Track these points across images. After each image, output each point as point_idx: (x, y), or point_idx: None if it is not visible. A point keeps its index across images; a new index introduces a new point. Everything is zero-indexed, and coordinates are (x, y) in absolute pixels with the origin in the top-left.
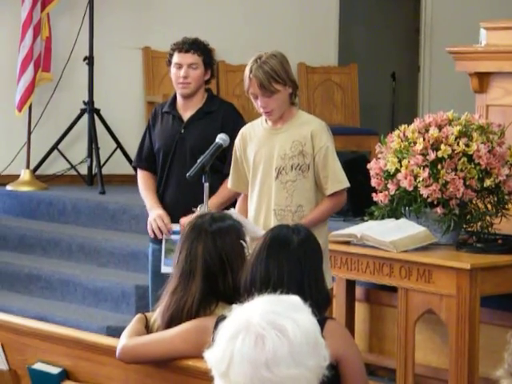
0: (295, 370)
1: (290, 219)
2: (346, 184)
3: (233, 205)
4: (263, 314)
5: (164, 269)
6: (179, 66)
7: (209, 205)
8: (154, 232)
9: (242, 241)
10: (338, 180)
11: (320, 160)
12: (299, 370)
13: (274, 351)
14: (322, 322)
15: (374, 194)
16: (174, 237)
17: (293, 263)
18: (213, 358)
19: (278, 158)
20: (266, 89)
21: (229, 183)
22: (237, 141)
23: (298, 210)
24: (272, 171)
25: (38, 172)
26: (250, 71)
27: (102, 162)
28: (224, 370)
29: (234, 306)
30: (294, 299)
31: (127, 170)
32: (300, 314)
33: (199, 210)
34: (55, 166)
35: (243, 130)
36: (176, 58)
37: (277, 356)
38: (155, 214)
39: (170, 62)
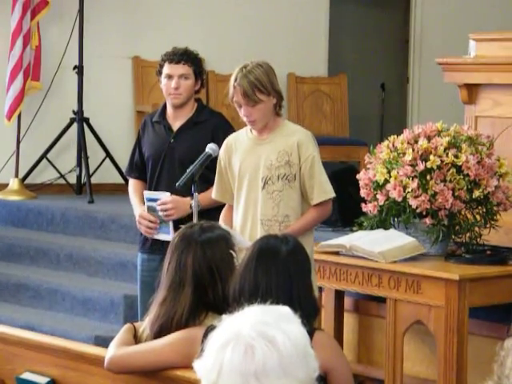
0: (285, 380)
1: (277, 229)
2: (332, 194)
3: (218, 209)
4: (253, 324)
5: (158, 237)
6: (170, 77)
7: (199, 198)
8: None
9: (231, 250)
10: (323, 190)
11: (306, 170)
12: (289, 381)
13: (264, 362)
14: (310, 333)
15: (363, 205)
16: (153, 204)
17: (281, 273)
18: (202, 368)
19: (265, 168)
20: (249, 98)
21: (213, 193)
22: (221, 151)
23: (284, 220)
24: (258, 181)
25: (27, 181)
26: (235, 80)
27: (91, 171)
28: (213, 380)
29: (223, 316)
30: (285, 310)
31: (116, 179)
32: (290, 325)
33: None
34: (44, 174)
35: (228, 141)
36: (167, 68)
37: (266, 367)
38: (136, 216)
39: (160, 72)
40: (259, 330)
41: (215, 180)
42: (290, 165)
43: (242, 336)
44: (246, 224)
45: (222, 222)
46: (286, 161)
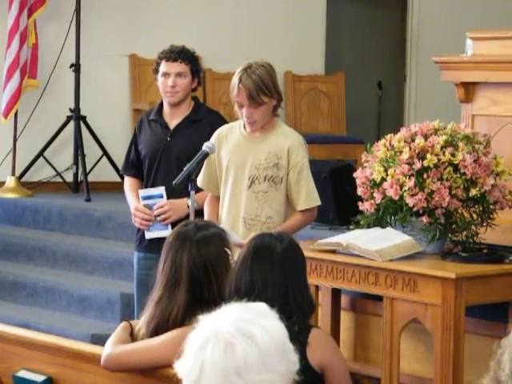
0: (265, 375)
1: (259, 229)
2: (318, 202)
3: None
4: (232, 321)
5: (148, 235)
6: (167, 75)
7: (196, 198)
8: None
9: (226, 248)
10: (311, 197)
11: (294, 175)
12: (269, 376)
13: (244, 358)
14: (306, 330)
15: (359, 203)
16: (148, 201)
17: (277, 271)
18: (183, 368)
19: (252, 166)
20: (253, 100)
21: (198, 181)
22: (212, 140)
23: (267, 221)
24: (244, 179)
25: (24, 179)
26: (240, 80)
27: (87, 170)
28: (195, 379)
29: (200, 316)
30: (262, 306)
31: (113, 177)
32: (268, 320)
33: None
34: (41, 172)
35: (220, 131)
36: (163, 66)
37: (247, 363)
38: (132, 210)
39: (156, 71)
40: (238, 326)
41: (203, 167)
42: (279, 167)
43: (222, 334)
44: (228, 219)
45: (206, 212)
46: (274, 163)
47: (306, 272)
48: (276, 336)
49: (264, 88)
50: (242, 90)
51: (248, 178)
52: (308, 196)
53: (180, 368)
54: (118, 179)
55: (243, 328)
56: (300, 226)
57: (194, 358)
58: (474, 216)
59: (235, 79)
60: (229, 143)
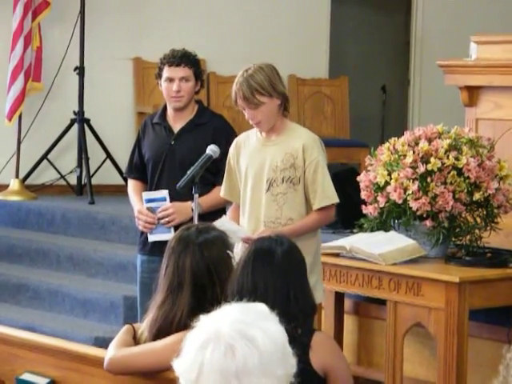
0: (264, 379)
1: None
2: (335, 200)
3: (220, 212)
4: (232, 323)
5: (151, 238)
6: (171, 80)
7: (199, 202)
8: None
9: (228, 251)
10: (326, 195)
11: (310, 174)
12: (268, 380)
13: (244, 361)
14: (309, 334)
15: (363, 207)
16: (152, 204)
17: (278, 274)
18: (181, 367)
19: (270, 169)
20: (249, 101)
21: (221, 191)
22: (231, 149)
23: (287, 223)
24: (263, 183)
25: (28, 181)
26: (236, 84)
27: (91, 172)
28: (193, 379)
29: (201, 316)
30: (261, 307)
31: (117, 180)
32: (268, 323)
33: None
34: (45, 175)
35: (238, 139)
36: (167, 72)
37: (247, 366)
38: (135, 212)
39: (159, 75)
40: (238, 329)
41: (224, 178)
42: (295, 168)
43: (222, 336)
44: (250, 224)
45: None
46: (291, 163)
47: (306, 274)
48: (276, 339)
49: (259, 88)
50: (238, 93)
51: (266, 182)
52: (323, 194)
53: (178, 366)
54: (122, 182)
55: (244, 330)
56: (315, 226)
57: (194, 358)
58: (478, 220)
59: (234, 83)
60: (246, 150)
